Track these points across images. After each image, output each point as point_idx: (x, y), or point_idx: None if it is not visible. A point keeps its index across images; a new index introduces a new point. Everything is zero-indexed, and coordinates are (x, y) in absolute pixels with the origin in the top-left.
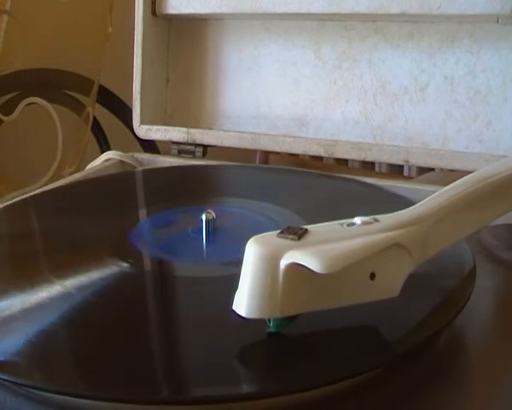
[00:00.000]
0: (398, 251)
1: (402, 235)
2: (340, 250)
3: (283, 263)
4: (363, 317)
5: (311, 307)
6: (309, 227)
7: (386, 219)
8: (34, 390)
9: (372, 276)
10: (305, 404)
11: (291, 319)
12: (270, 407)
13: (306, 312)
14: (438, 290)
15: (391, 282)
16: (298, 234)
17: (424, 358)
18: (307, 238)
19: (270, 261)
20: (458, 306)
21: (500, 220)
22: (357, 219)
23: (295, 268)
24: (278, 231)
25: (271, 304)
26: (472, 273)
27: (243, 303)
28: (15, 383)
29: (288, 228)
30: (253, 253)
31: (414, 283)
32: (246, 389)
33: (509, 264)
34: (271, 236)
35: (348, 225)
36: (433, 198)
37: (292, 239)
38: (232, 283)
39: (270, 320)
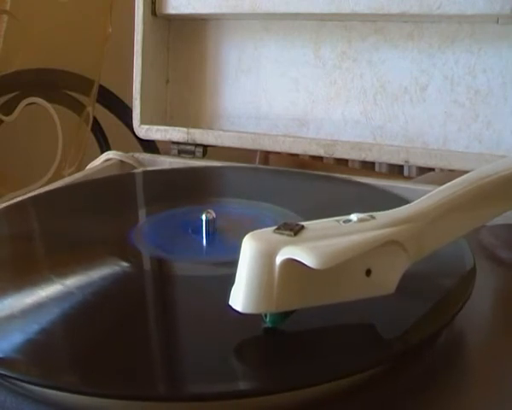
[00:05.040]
0: (394, 248)
1: (398, 232)
2: (335, 246)
3: (279, 259)
4: (364, 315)
5: (307, 302)
6: (305, 223)
7: (383, 216)
8: (34, 388)
9: (368, 272)
10: (304, 402)
11: (287, 314)
12: (267, 404)
13: (302, 307)
14: (438, 290)
15: (387, 278)
16: (294, 230)
17: (424, 357)
18: (303, 234)
19: (266, 257)
20: (458, 305)
21: (500, 220)
22: (354, 216)
23: (291, 264)
24: (274, 227)
25: (267, 299)
26: (472, 273)
27: (239, 298)
28: (15, 379)
29: (285, 224)
30: (249, 248)
31: (414, 282)
32: (243, 386)
33: (509, 264)
34: (268, 232)
35: (344, 221)
36: (430, 196)
37: (288, 235)
38: (231, 282)
39: (266, 315)
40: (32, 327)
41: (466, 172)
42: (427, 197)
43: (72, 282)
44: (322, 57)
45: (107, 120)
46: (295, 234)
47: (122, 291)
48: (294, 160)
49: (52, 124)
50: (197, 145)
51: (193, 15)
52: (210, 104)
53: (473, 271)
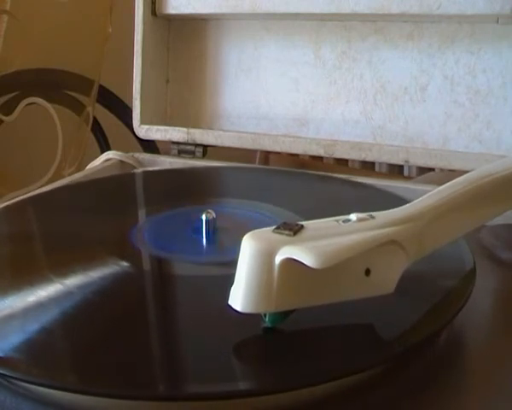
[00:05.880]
0: (393, 248)
1: (397, 232)
2: (334, 246)
3: (278, 258)
4: (364, 315)
5: (307, 302)
6: (304, 223)
7: (382, 216)
8: (33, 388)
9: (367, 272)
10: (303, 402)
11: (287, 313)
12: (267, 404)
13: (302, 307)
14: (438, 290)
15: (386, 278)
16: (293, 230)
17: (424, 357)
18: (302, 234)
19: (266, 256)
20: (458, 305)
21: (500, 220)
22: (353, 216)
23: (290, 263)
24: (274, 227)
25: (266, 299)
26: (472, 273)
27: (239, 298)
28: (15, 379)
29: (284, 224)
30: (248, 248)
31: (414, 282)
32: (242, 386)
33: (509, 264)
34: (267, 231)
35: (344, 221)
36: (429, 196)
37: (287, 235)
38: (231, 282)
39: (265, 315)
40: (32, 326)
41: (466, 172)
42: (427, 197)
43: (72, 282)
44: (322, 57)
45: (107, 120)
46: (295, 234)
47: (122, 291)
48: (294, 160)
49: (52, 124)
50: (197, 145)
51: (193, 15)
52: (210, 104)
53: (473, 271)
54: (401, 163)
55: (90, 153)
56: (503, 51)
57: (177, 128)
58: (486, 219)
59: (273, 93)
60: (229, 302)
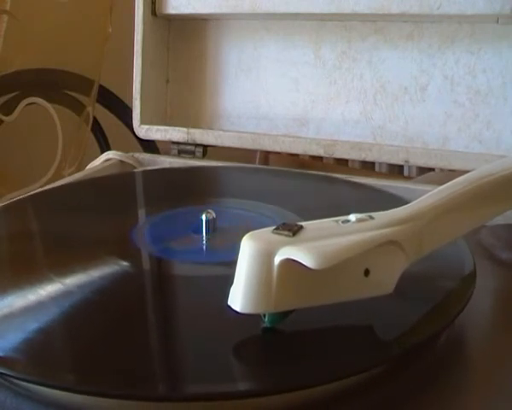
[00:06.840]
0: (392, 248)
1: (396, 232)
2: (333, 247)
3: (278, 259)
4: (364, 316)
5: (306, 302)
6: (304, 224)
7: (381, 216)
8: (34, 388)
9: (366, 272)
10: (303, 402)
11: (286, 314)
12: (267, 405)
13: (301, 307)
14: (438, 291)
15: (385, 279)
16: (292, 230)
17: (425, 358)
18: (302, 235)
19: (265, 257)
20: (459, 306)
21: (500, 220)
22: (352, 217)
23: (289, 264)
24: (273, 228)
25: (266, 299)
26: (472, 274)
27: (238, 298)
28: (15, 378)
29: (283, 224)
30: (247, 248)
31: (414, 283)
32: (241, 386)
33: (509, 264)
34: (266, 232)
35: (343, 222)
36: (429, 196)
37: (286, 235)
38: (231, 282)
39: (265, 315)
40: (32, 326)
41: (466, 172)
42: (427, 197)
43: (72, 281)
44: (322, 57)
45: (107, 120)
46: (294, 234)
47: (122, 291)
48: (294, 160)
49: (52, 124)
50: (197, 145)
51: (193, 15)
52: (210, 104)
53: (473, 271)
54: (401, 163)
55: (90, 153)
56: (503, 51)
57: (177, 128)
58: (486, 219)
59: (273, 93)
60: (229, 303)
